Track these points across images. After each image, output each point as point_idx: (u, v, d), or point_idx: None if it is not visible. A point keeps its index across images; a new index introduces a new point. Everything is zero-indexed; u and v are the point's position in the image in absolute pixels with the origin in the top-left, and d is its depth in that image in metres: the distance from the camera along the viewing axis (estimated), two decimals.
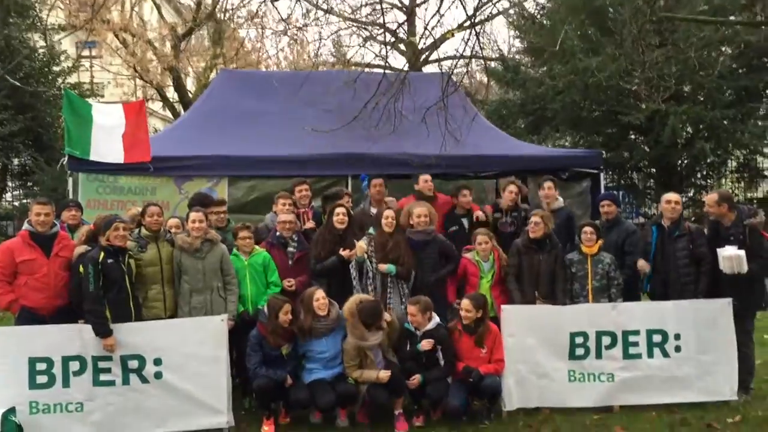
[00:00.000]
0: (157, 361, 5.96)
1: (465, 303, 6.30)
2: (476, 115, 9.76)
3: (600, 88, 13.91)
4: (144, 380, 5.95)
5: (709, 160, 15.45)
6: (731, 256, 6.35)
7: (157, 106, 21.86)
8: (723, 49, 14.69)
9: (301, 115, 9.20)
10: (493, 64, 16.83)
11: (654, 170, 16.40)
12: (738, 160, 16.51)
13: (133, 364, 5.93)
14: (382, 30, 17.81)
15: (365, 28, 17.07)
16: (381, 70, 9.73)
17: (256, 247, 6.76)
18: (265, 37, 16.56)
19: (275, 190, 7.91)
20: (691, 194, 16.59)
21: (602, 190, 8.93)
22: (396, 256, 6.65)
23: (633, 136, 15.67)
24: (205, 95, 10.44)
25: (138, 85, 17.04)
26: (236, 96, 9.60)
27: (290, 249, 6.89)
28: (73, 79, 18.10)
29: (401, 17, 19.69)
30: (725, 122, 13.70)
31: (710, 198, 6.76)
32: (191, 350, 6.01)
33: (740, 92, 14.26)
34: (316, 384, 6.11)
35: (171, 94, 17.28)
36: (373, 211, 7.51)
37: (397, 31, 19.07)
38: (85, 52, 23.81)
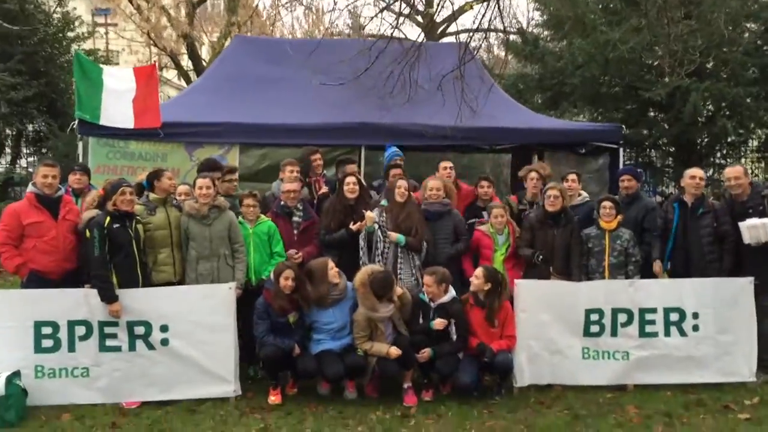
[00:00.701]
0: (164, 328, 5.85)
1: (478, 271, 6.12)
2: (493, 86, 9.50)
3: (621, 62, 13.52)
4: (150, 347, 5.85)
5: (729, 140, 15.07)
6: (756, 225, 6.18)
7: (171, 74, 21.67)
8: (749, 25, 14.23)
9: (309, 82, 8.98)
10: (511, 37, 16.42)
11: (672, 149, 16.02)
12: (759, 140, 16.08)
13: (140, 330, 5.82)
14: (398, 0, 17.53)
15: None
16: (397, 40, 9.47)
17: (261, 215, 6.60)
18: (281, 5, 16.25)
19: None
20: (710, 173, 16.22)
21: (621, 166, 8.68)
22: (408, 226, 6.47)
23: (652, 113, 15.28)
24: (218, 61, 10.24)
25: (153, 52, 16.83)
26: (250, 62, 9.39)
27: (295, 219, 6.72)
28: (88, 45, 17.91)
29: None
30: (748, 100, 13.29)
31: (736, 170, 6.52)
32: (198, 318, 5.89)
33: (764, 69, 13.81)
34: (324, 354, 5.98)
35: (185, 62, 17.08)
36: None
37: (414, 2, 18.73)
38: (101, 20, 23.65)
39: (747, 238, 6.26)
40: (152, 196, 6.21)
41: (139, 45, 16.85)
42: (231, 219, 6.30)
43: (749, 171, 17.01)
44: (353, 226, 6.50)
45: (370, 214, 6.44)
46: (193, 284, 6.12)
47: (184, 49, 15.44)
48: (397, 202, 6.54)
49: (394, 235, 6.43)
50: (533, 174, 7.37)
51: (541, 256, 6.56)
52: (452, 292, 6.11)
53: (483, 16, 10.03)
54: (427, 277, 6.05)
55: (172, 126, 8.13)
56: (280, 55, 9.34)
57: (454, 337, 6.08)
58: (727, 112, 13.81)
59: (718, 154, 16.14)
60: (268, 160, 8.61)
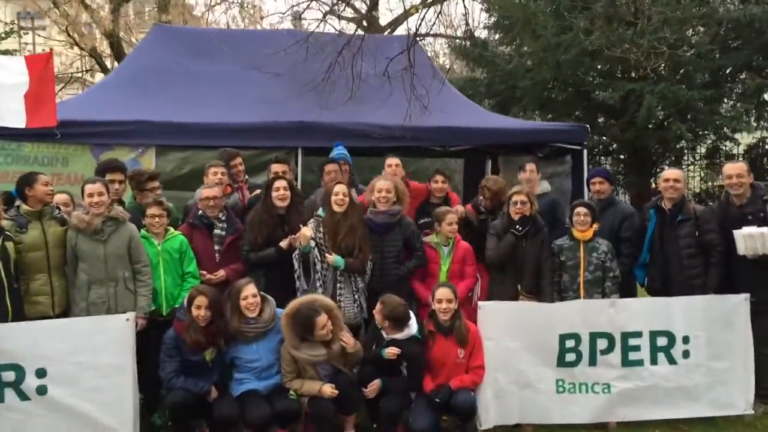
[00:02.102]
0: (41, 373, 4.51)
1: (442, 292, 4.99)
2: (445, 83, 8.45)
3: (573, 65, 12.72)
4: (23, 397, 4.50)
5: (678, 146, 14.47)
6: (752, 235, 5.23)
7: (98, 77, 20.03)
8: (699, 28, 13.64)
9: (245, 78, 7.75)
10: (457, 41, 15.55)
11: (623, 156, 15.33)
12: (707, 147, 15.53)
13: (9, 376, 4.47)
14: (344, 5, 16.47)
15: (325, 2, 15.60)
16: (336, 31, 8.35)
17: (171, 228, 5.33)
18: (216, 3, 14.89)
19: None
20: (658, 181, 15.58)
21: (585, 170, 7.70)
22: (350, 244, 5.28)
23: (603, 119, 14.54)
24: (134, 53, 8.86)
25: (76, 53, 15.26)
26: (170, 55, 8.06)
27: (217, 232, 5.46)
28: (11, 45, 16.15)
29: None
30: (701, 104, 12.62)
31: (738, 167, 5.58)
32: (86, 358, 4.58)
33: (716, 73, 13.21)
34: (247, 396, 4.76)
35: (111, 64, 15.55)
36: None
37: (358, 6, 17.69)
38: (28, 23, 21.87)
39: (742, 248, 5.32)
40: (24, 207, 4.86)
41: (60, 45, 15.20)
42: (131, 233, 5.00)
43: (697, 178, 16.72)
44: (284, 243, 5.29)
45: (306, 232, 5.22)
46: (83, 315, 4.81)
47: (108, 50, 13.90)
48: (335, 212, 5.34)
49: (331, 258, 5.24)
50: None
51: (520, 228, 5.46)
52: (411, 330, 4.96)
53: (421, 21, 9.07)
54: (379, 305, 4.92)
55: (74, 125, 6.76)
56: (205, 47, 8.05)
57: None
58: (681, 117, 13.12)
59: (667, 161, 15.57)
60: (190, 165, 7.24)
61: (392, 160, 6.22)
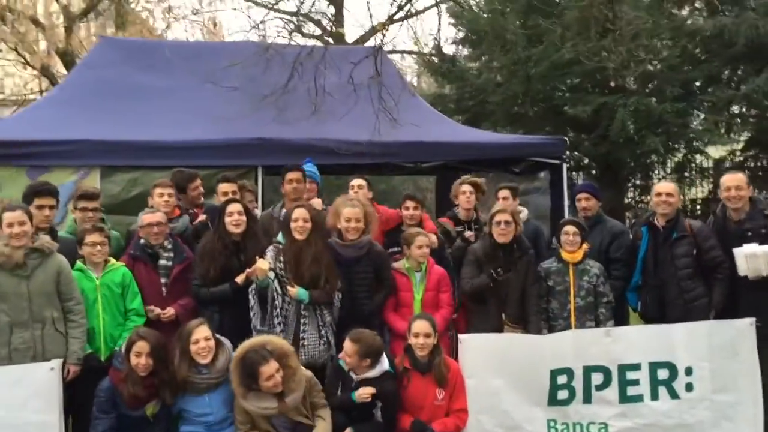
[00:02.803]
0: None
1: (419, 325, 4.36)
2: (415, 95, 7.89)
3: (543, 79, 12.34)
4: None
5: (648, 161, 14.12)
6: (756, 254, 4.70)
7: None
8: (667, 42, 13.36)
9: (200, 92, 7.08)
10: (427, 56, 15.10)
11: (594, 171, 14.93)
12: (676, 159, 15.22)
13: None
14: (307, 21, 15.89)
15: (291, 21, 15.02)
16: (298, 43, 7.76)
17: (112, 259, 4.63)
18: (176, 20, 14.17)
19: None
20: (631, 196, 15.28)
21: (565, 186, 7.18)
22: (314, 273, 4.62)
23: (574, 134, 14.14)
24: (78, 68, 8.10)
25: (31, 74, 14.38)
26: (118, 68, 7.34)
27: (163, 262, 4.75)
28: None
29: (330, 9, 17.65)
30: (673, 117, 12.28)
31: (737, 179, 5.05)
32: (4, 415, 3.85)
33: (687, 85, 12.90)
34: None
35: None
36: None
37: (325, 24, 17.12)
38: None
39: (744, 269, 4.79)
40: None
41: (15, 67, 14.28)
42: (59, 266, 4.27)
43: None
44: (240, 278, 4.61)
45: (262, 265, 4.52)
46: (5, 363, 4.07)
47: (63, 69, 13.06)
48: (296, 240, 4.68)
49: (294, 291, 4.57)
50: (465, 186, 5.73)
51: (501, 270, 4.84)
52: (383, 365, 4.32)
53: (381, 41, 8.42)
54: (349, 344, 4.25)
55: (7, 145, 6.05)
56: (156, 60, 7.37)
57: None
58: (653, 130, 12.78)
59: (639, 175, 15.23)
60: (139, 187, 6.44)
61: (357, 182, 5.58)
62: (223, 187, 5.42)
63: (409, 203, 5.42)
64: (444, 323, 4.90)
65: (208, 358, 4.05)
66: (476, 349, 4.48)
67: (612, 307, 5.01)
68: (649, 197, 15.83)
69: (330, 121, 6.96)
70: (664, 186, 5.30)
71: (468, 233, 5.48)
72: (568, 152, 13.36)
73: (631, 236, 5.38)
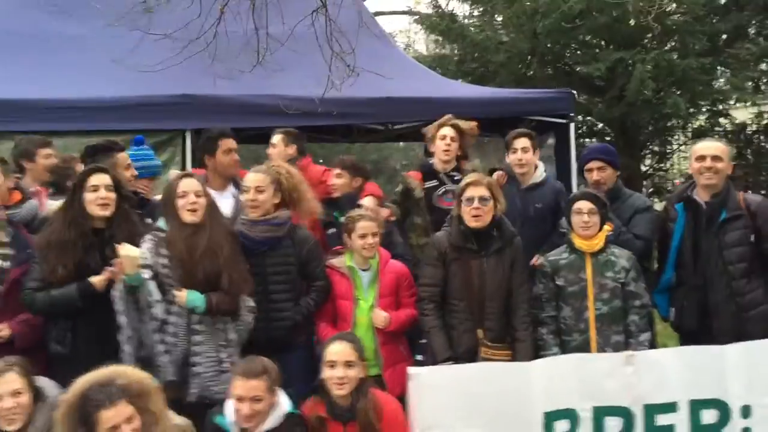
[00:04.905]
0: None
1: (336, 351, 2.86)
2: (388, 43, 6.29)
3: (549, 36, 10.66)
4: None
5: (669, 123, 12.38)
6: None
7: None
8: None
9: (118, 40, 5.52)
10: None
11: (610, 137, 13.19)
12: (698, 123, 13.41)
13: None
14: None
15: None
16: None
17: None
18: None
19: (70, 151, 4.34)
20: (648, 163, 13.58)
21: (572, 148, 5.55)
22: (211, 269, 3.13)
23: (587, 96, 12.42)
24: None
25: None
26: (16, 12, 5.81)
27: None
28: None
29: None
30: (698, 73, 10.51)
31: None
32: None
33: (713, 38, 11.08)
34: None
35: None
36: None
37: None
38: None
39: None
40: None
41: None
42: None
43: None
44: (99, 278, 3.10)
45: (130, 252, 3.03)
46: None
47: None
48: (185, 224, 3.17)
49: (183, 295, 3.08)
50: (446, 129, 4.21)
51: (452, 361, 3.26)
52: (283, 407, 2.80)
53: None
54: (239, 382, 2.75)
55: None
56: (65, 2, 5.80)
57: None
58: (678, 89, 11.00)
59: (657, 141, 13.49)
60: None
61: (277, 137, 4.06)
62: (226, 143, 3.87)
63: (338, 170, 3.87)
64: (403, 326, 3.42)
65: (16, 424, 2.58)
66: (435, 388, 2.93)
67: (649, 314, 3.44)
68: (668, 164, 14.23)
69: (278, 76, 5.38)
70: (707, 146, 3.66)
71: (441, 190, 3.92)
72: (578, 114, 11.80)
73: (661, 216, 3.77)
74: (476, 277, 3.32)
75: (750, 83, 11.12)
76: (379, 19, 7.78)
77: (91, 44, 5.58)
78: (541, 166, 4.27)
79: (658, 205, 13.32)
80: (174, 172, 3.86)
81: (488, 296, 3.32)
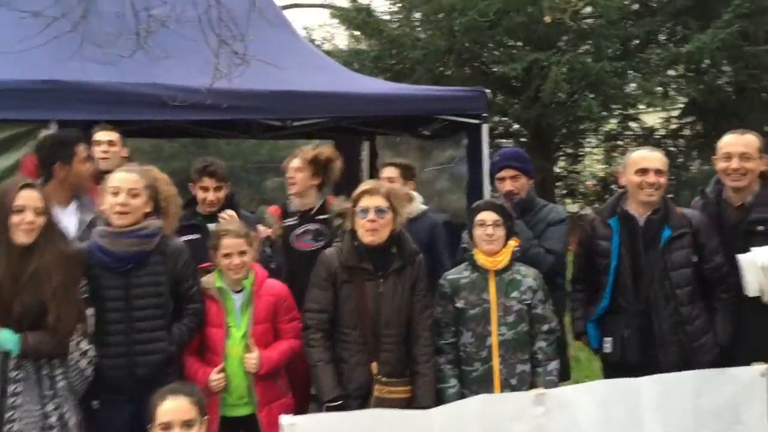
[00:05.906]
0: None
1: (167, 409, 2.30)
2: (295, 36, 5.71)
3: (470, 32, 10.41)
4: None
5: (582, 126, 12.41)
6: None
7: None
8: None
9: None
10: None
11: (525, 138, 13.09)
12: (609, 126, 13.52)
13: None
14: None
15: None
16: None
17: None
18: None
19: None
20: (561, 166, 13.61)
21: (485, 150, 5.16)
22: (29, 303, 2.48)
23: (502, 97, 12.25)
24: None
25: None
26: None
27: None
28: None
29: None
30: (611, 76, 10.50)
31: (746, 141, 3.08)
32: None
33: (626, 42, 11.13)
34: None
35: None
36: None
37: None
38: None
39: (754, 286, 2.87)
40: None
41: None
42: None
43: (603, 162, 14.68)
44: None
45: None
46: None
47: None
48: (13, 245, 2.49)
49: None
50: (295, 162, 3.74)
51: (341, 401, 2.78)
52: None
53: None
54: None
55: None
56: None
57: None
58: (587, 92, 10.96)
59: (570, 143, 13.53)
60: None
61: (103, 135, 3.48)
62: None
63: (207, 181, 3.28)
64: (276, 366, 2.89)
65: None
66: None
67: (557, 339, 3.02)
68: (580, 166, 14.30)
69: (161, 63, 4.69)
70: (647, 157, 3.14)
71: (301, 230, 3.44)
72: (494, 115, 11.58)
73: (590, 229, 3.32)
74: (371, 301, 2.81)
75: (659, 88, 11.22)
76: (297, 12, 7.20)
77: None
78: (418, 198, 3.83)
79: (571, 206, 13.38)
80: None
81: (384, 323, 2.82)
